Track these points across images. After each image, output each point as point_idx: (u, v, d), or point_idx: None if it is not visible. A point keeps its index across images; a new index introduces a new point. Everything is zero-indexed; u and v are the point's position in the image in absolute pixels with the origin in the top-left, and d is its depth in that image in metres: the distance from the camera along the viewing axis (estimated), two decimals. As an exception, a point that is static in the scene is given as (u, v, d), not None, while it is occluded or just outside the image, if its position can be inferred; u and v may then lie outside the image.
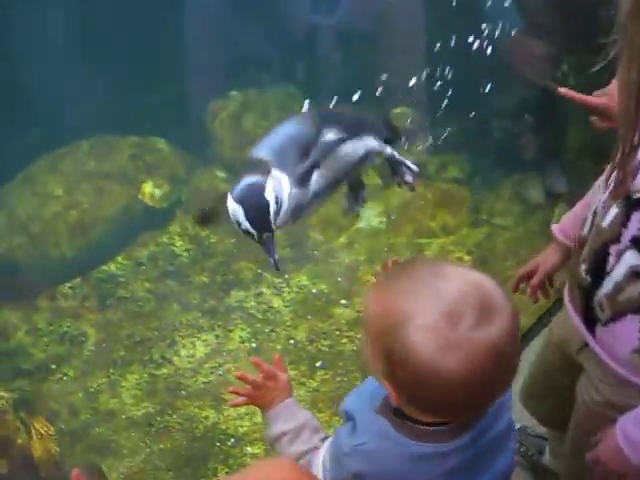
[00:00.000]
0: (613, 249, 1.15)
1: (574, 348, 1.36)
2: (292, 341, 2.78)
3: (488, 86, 3.09)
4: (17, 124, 3.25)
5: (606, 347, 1.22)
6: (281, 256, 1.21)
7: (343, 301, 2.90)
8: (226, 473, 2.38)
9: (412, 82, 3.06)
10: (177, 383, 2.71)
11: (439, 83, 3.07)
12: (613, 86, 1.31)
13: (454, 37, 2.98)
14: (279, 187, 1.19)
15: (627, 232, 1.12)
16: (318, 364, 2.68)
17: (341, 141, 1.32)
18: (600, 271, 1.18)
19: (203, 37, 3.53)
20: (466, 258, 3.02)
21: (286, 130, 1.32)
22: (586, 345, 1.29)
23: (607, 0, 1.15)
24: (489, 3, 3.10)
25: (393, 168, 1.53)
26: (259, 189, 1.16)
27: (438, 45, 3.00)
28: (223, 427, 2.52)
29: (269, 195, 1.16)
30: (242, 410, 2.49)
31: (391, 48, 3.30)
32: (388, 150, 1.48)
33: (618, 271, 1.14)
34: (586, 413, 1.34)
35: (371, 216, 3.25)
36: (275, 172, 1.20)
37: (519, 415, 1.66)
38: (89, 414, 2.65)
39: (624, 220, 1.12)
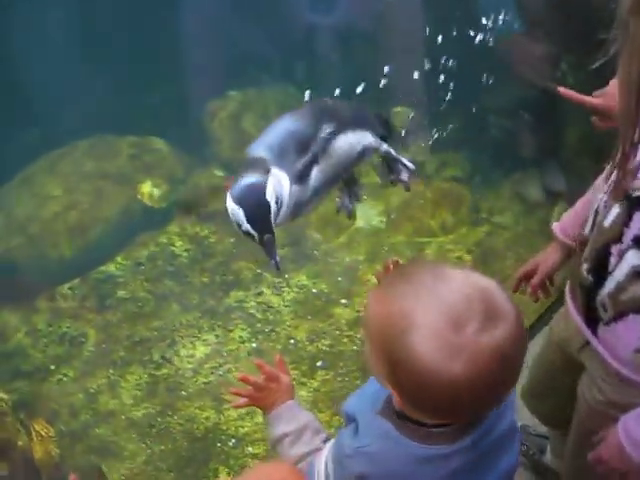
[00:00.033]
0: (615, 249, 1.15)
1: (575, 347, 1.36)
2: (292, 341, 2.78)
3: (487, 85, 3.09)
4: (15, 125, 3.24)
5: (608, 347, 1.22)
6: (281, 256, 1.19)
7: (343, 301, 2.90)
8: (227, 474, 2.38)
9: (411, 81, 3.06)
10: (177, 383, 2.70)
11: (438, 82, 3.07)
12: (612, 86, 1.31)
13: (452, 36, 2.98)
14: (279, 186, 1.18)
15: (629, 232, 1.12)
16: (318, 364, 2.68)
17: (338, 132, 1.31)
18: (602, 271, 1.18)
19: (201, 37, 3.53)
20: (466, 257, 3.02)
21: (283, 126, 1.29)
22: (587, 344, 1.29)
23: (606, -1, 1.15)
24: (488, 2, 3.10)
25: (389, 166, 1.52)
26: (259, 189, 1.14)
27: (437, 44, 3.00)
28: (224, 427, 2.52)
29: (270, 196, 1.14)
30: (243, 410, 2.48)
31: (389, 47, 3.30)
32: (384, 147, 1.47)
33: (620, 271, 1.14)
34: (588, 412, 1.34)
35: (371, 215, 3.25)
36: (275, 170, 1.18)
37: (520, 414, 1.66)
38: (89, 415, 2.64)
39: (626, 220, 1.12)
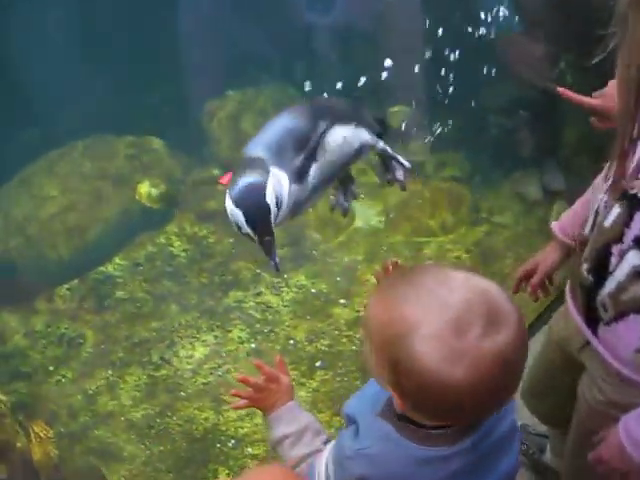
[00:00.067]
0: (615, 249, 1.15)
1: (575, 347, 1.36)
2: (291, 341, 2.77)
3: (486, 84, 3.09)
4: (13, 125, 3.24)
5: (609, 347, 1.22)
6: (280, 256, 1.19)
7: (342, 301, 2.90)
8: (227, 475, 2.38)
9: (410, 80, 3.05)
10: (176, 384, 2.70)
11: (437, 81, 3.07)
12: (611, 87, 1.31)
13: (451, 35, 2.98)
14: (279, 186, 1.16)
15: (630, 232, 1.11)
16: (318, 364, 2.67)
17: (332, 125, 1.29)
18: (602, 271, 1.18)
19: (200, 37, 3.52)
20: (465, 257, 3.02)
21: (280, 124, 1.27)
22: (588, 344, 1.28)
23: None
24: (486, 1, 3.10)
25: (385, 164, 1.51)
26: (259, 191, 1.12)
27: (436, 43, 3.00)
28: (223, 428, 2.52)
29: (270, 197, 1.12)
30: (242, 411, 2.48)
31: (388, 47, 3.30)
32: (380, 144, 1.46)
33: (621, 271, 1.13)
34: (588, 412, 1.34)
35: (369, 215, 3.25)
36: (274, 170, 1.17)
37: (520, 413, 1.65)
38: (88, 416, 2.64)
39: (627, 220, 1.12)
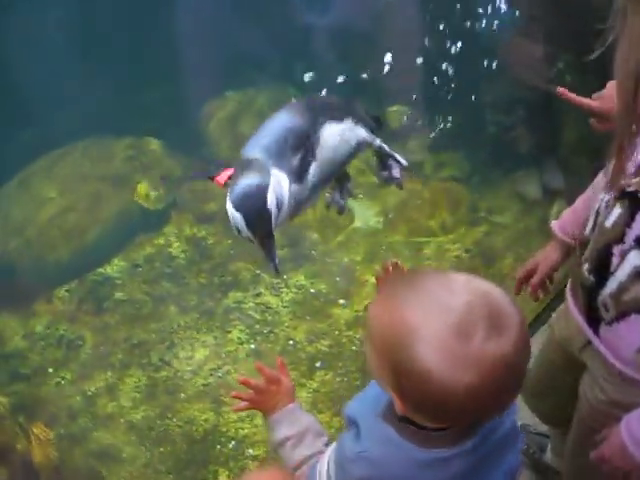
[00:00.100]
0: (616, 249, 1.14)
1: (576, 346, 1.36)
2: (291, 342, 2.77)
3: (485, 84, 3.09)
4: (12, 126, 3.23)
5: (610, 347, 1.22)
6: (279, 256, 1.18)
7: (342, 301, 2.90)
8: (227, 476, 2.37)
9: (408, 80, 3.05)
10: (176, 385, 2.69)
11: (436, 81, 3.06)
12: (609, 88, 1.30)
13: (450, 34, 2.97)
14: (279, 187, 1.15)
15: (631, 232, 1.11)
16: (317, 364, 2.67)
17: (327, 121, 1.28)
18: (604, 271, 1.18)
19: (198, 38, 3.52)
20: (464, 256, 3.02)
21: (278, 123, 1.26)
22: (589, 343, 1.28)
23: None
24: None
25: (382, 161, 1.51)
26: (260, 194, 1.11)
27: (435, 43, 3.00)
28: (223, 429, 2.52)
29: (270, 201, 1.11)
30: (242, 412, 2.47)
31: (386, 47, 3.29)
32: (377, 142, 1.46)
33: (622, 271, 1.13)
34: (590, 411, 1.33)
35: (368, 215, 3.24)
36: (274, 171, 1.16)
37: (520, 413, 1.65)
38: (88, 418, 2.63)
39: (628, 220, 1.12)
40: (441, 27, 3.01)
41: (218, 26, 3.55)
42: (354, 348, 2.70)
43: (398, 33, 3.28)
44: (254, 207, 1.11)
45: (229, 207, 1.12)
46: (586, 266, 1.23)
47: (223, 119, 3.64)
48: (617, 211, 1.14)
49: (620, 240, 1.13)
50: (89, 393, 2.71)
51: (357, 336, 2.72)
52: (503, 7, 3.01)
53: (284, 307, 2.91)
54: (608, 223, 1.17)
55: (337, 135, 1.31)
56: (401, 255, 3.01)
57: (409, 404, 0.90)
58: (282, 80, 3.74)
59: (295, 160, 1.21)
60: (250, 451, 2.43)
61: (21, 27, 3.26)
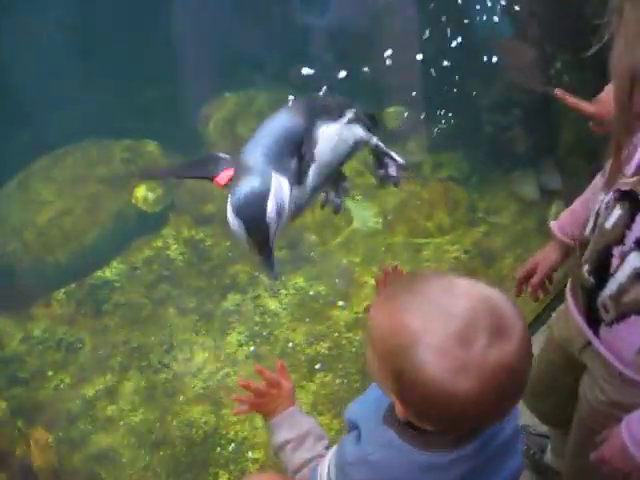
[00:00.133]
0: (616, 250, 1.14)
1: (576, 347, 1.36)
2: (290, 344, 2.77)
3: (483, 85, 3.09)
4: (10, 127, 3.22)
5: (611, 348, 1.22)
6: (278, 258, 1.17)
7: (341, 302, 2.90)
8: (227, 479, 2.37)
9: (407, 80, 3.05)
10: (175, 388, 2.69)
11: (433, 82, 3.06)
12: (605, 93, 1.31)
13: (447, 35, 2.97)
14: (280, 192, 1.14)
15: (631, 234, 1.11)
16: (317, 366, 2.67)
17: (324, 120, 1.28)
18: (603, 272, 1.18)
19: (197, 39, 3.51)
20: (463, 257, 3.02)
21: (277, 125, 1.25)
22: (589, 344, 1.28)
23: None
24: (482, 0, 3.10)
25: (379, 160, 1.51)
26: (261, 201, 1.10)
27: (432, 44, 3.00)
28: (223, 432, 2.51)
29: (271, 208, 1.10)
30: (242, 415, 2.47)
31: (384, 47, 3.29)
32: (374, 140, 1.46)
33: (622, 273, 1.13)
34: (590, 412, 1.33)
35: (367, 217, 3.24)
36: (275, 176, 1.15)
37: (520, 414, 1.65)
38: (87, 421, 2.63)
39: (628, 221, 1.12)
40: (439, 28, 3.01)
41: (217, 27, 3.55)
42: (354, 350, 2.70)
43: (396, 34, 3.27)
44: (254, 214, 1.10)
45: (230, 214, 1.12)
46: (586, 267, 1.23)
47: (222, 120, 3.64)
48: (617, 212, 1.14)
49: (620, 241, 1.13)
50: (88, 396, 2.71)
51: (357, 337, 2.72)
52: (501, 9, 3.02)
53: (283, 309, 2.91)
54: (608, 224, 1.17)
55: (335, 135, 1.31)
56: (400, 256, 3.01)
57: (410, 408, 0.90)
58: (280, 81, 3.74)
59: (294, 163, 1.20)
60: (250, 454, 2.43)
61: (21, 27, 3.25)
